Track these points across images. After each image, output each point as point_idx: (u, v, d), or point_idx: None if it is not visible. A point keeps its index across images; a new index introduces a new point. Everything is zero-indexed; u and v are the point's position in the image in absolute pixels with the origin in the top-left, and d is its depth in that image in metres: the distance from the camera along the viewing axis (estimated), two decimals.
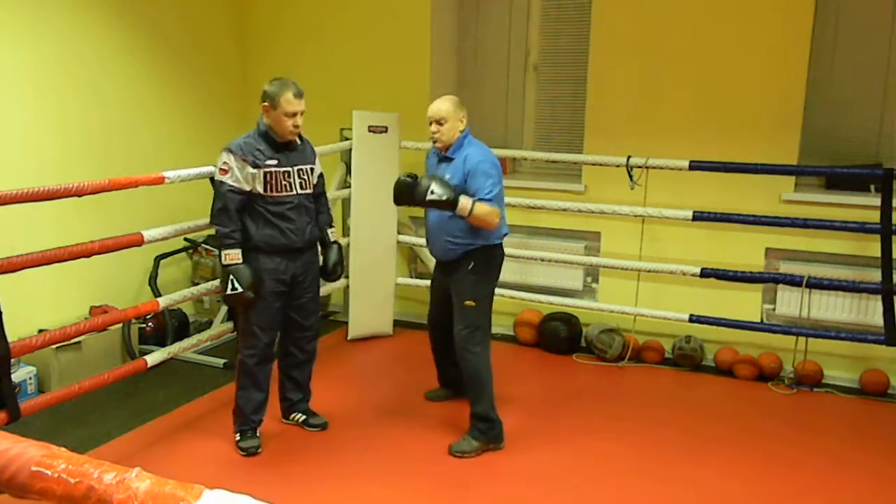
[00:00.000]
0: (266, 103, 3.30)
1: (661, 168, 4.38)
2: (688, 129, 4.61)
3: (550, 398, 4.17)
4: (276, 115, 3.29)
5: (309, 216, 3.49)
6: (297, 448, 3.52)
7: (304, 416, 3.71)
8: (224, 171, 3.29)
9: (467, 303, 3.49)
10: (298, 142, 3.46)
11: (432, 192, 3.29)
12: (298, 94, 3.30)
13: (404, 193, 3.40)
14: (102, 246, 3.31)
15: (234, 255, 3.29)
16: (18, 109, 4.11)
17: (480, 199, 3.35)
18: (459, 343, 3.53)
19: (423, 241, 5.20)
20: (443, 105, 3.52)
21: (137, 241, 3.49)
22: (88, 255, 3.27)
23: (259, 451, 3.43)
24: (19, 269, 2.99)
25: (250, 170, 3.28)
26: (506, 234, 3.61)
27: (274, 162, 3.32)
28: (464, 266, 3.50)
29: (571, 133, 5.12)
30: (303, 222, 3.44)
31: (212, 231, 4.40)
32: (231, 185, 3.28)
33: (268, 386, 3.53)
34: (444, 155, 3.55)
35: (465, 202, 3.31)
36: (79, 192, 3.14)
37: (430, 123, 3.54)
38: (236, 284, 3.26)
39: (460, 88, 5.49)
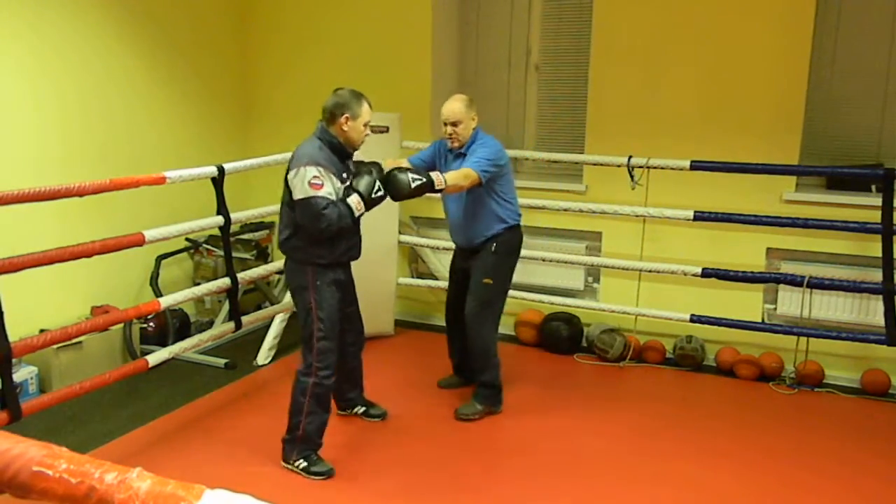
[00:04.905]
0: (347, 114, 3.21)
1: (663, 168, 4.38)
2: (689, 128, 4.61)
3: (551, 398, 4.17)
4: (356, 124, 3.24)
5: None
6: None
7: (363, 408, 3.84)
8: (318, 186, 3.10)
9: (485, 280, 3.75)
10: None
11: (414, 181, 3.39)
12: (370, 105, 3.31)
13: (403, 191, 3.39)
14: (104, 246, 3.31)
15: (355, 201, 3.20)
16: (20, 109, 4.11)
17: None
18: (469, 318, 3.76)
19: (423, 240, 5.21)
20: (455, 107, 3.70)
21: (139, 241, 3.49)
22: (90, 255, 3.27)
23: (333, 473, 3.29)
24: (21, 269, 3.00)
25: (338, 184, 3.22)
26: (520, 216, 3.84)
27: (344, 176, 3.29)
28: (487, 249, 3.76)
29: (573, 133, 5.11)
30: (359, 235, 3.44)
31: (213, 231, 4.42)
32: (332, 199, 3.13)
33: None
34: (458, 151, 3.76)
35: (436, 177, 3.47)
36: (80, 192, 3.15)
37: (445, 125, 3.72)
38: (380, 187, 3.31)
39: (461, 88, 5.49)
